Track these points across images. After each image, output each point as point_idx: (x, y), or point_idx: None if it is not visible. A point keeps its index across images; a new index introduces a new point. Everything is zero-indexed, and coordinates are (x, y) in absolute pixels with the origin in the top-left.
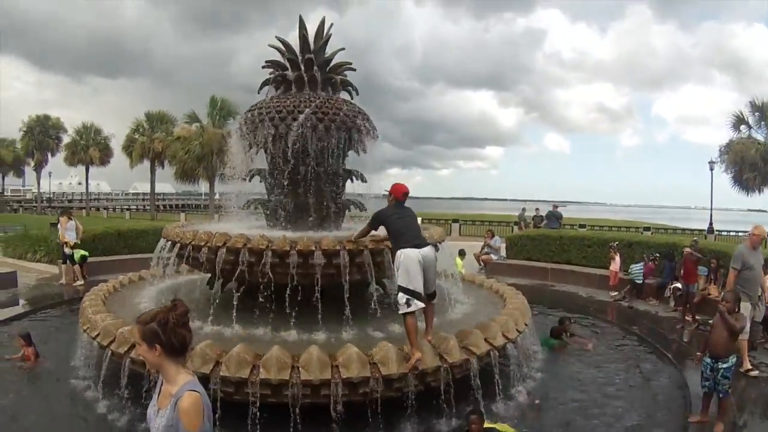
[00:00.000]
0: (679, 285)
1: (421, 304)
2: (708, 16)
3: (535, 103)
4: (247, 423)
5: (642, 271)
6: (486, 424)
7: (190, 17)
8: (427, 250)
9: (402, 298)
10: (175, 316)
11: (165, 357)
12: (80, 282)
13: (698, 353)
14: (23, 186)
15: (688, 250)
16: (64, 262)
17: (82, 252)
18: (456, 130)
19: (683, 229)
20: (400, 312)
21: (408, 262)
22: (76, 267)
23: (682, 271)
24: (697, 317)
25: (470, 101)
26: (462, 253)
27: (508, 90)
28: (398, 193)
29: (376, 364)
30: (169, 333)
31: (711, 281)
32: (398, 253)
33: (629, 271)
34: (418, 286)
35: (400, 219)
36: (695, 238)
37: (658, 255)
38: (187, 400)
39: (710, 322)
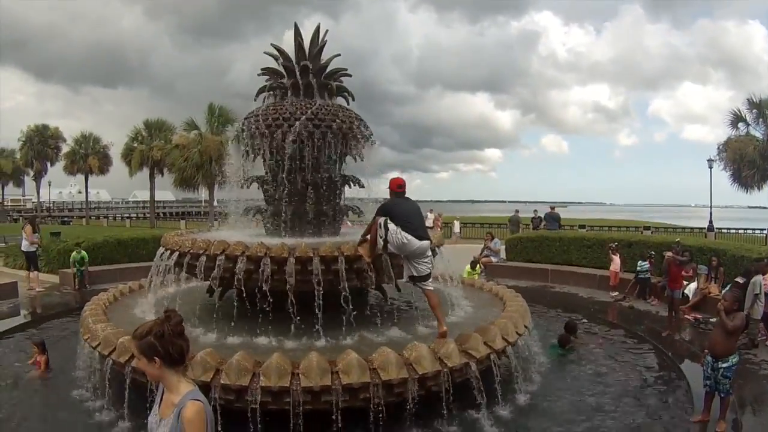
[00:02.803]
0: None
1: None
2: (701, 14)
3: (532, 104)
4: (249, 430)
5: (648, 268)
6: None
7: (187, 28)
8: (426, 244)
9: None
10: (170, 327)
11: (165, 368)
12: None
13: (705, 351)
14: (23, 196)
15: (669, 254)
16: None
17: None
18: (454, 133)
19: (683, 228)
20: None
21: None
22: (33, 274)
23: (666, 277)
24: (697, 316)
25: (468, 104)
26: (474, 264)
27: (505, 92)
28: (393, 186)
29: (376, 369)
30: (167, 344)
31: (711, 279)
32: (400, 231)
33: (638, 268)
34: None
35: (401, 208)
36: (677, 240)
37: (653, 253)
38: (191, 410)
39: (711, 320)
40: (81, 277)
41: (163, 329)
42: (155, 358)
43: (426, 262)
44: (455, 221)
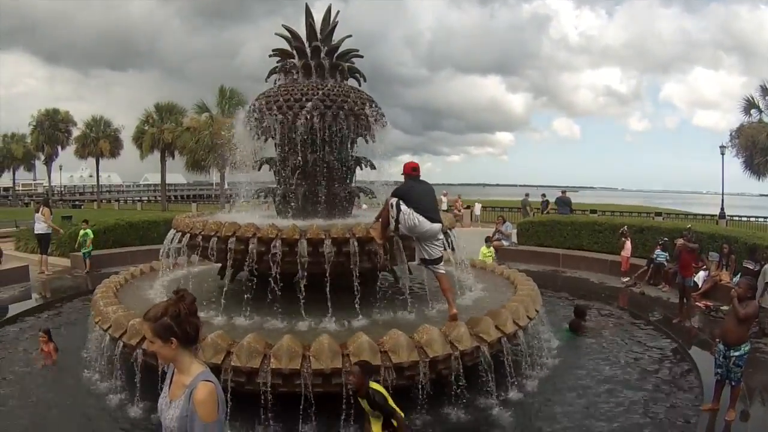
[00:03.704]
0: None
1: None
2: None
3: (544, 87)
4: (259, 412)
5: (665, 255)
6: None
7: (196, 10)
8: (437, 227)
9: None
10: (185, 306)
11: (180, 349)
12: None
13: (717, 339)
14: (34, 180)
15: (681, 241)
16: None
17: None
18: (465, 116)
19: (694, 214)
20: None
21: (422, 229)
22: (44, 257)
23: (678, 264)
24: (708, 303)
25: (478, 87)
26: (488, 240)
27: (516, 75)
28: (407, 169)
29: (386, 352)
30: (184, 324)
31: (723, 267)
32: (413, 213)
33: (655, 257)
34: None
35: (415, 191)
36: (689, 226)
37: (666, 240)
38: (203, 391)
39: (722, 308)
40: (86, 260)
41: (179, 309)
42: (172, 338)
43: (437, 245)
44: (476, 204)
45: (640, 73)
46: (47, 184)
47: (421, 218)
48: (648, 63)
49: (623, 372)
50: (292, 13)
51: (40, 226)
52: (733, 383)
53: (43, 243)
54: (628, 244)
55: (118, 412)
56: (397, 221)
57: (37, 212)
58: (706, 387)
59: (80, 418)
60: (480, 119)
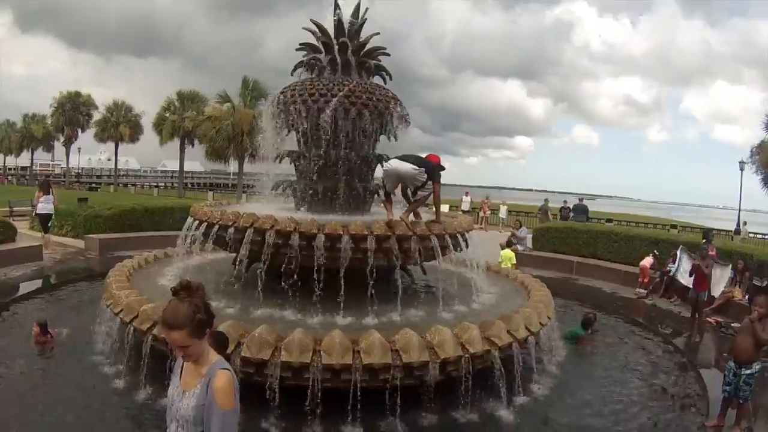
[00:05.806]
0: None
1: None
2: (735, 12)
3: (564, 94)
4: (266, 404)
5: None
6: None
7: (221, 2)
8: (408, 166)
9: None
10: (203, 295)
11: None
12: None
13: (726, 355)
14: (52, 161)
15: (696, 261)
16: (44, 232)
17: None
18: (484, 119)
19: (710, 229)
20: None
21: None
22: (47, 236)
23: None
24: (719, 319)
25: (499, 90)
26: (509, 244)
27: (537, 80)
28: None
29: (397, 351)
30: (210, 311)
31: (736, 284)
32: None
33: (669, 270)
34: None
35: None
36: (704, 240)
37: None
38: (222, 378)
39: (732, 325)
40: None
41: (204, 301)
42: (206, 330)
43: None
44: (502, 206)
45: (661, 84)
46: (65, 166)
47: (393, 160)
48: (669, 74)
49: (629, 383)
50: (316, 10)
51: (49, 207)
52: (741, 401)
53: (46, 223)
54: (648, 258)
55: (125, 397)
56: (384, 186)
57: (47, 193)
58: (712, 403)
59: (85, 400)
60: (499, 123)
